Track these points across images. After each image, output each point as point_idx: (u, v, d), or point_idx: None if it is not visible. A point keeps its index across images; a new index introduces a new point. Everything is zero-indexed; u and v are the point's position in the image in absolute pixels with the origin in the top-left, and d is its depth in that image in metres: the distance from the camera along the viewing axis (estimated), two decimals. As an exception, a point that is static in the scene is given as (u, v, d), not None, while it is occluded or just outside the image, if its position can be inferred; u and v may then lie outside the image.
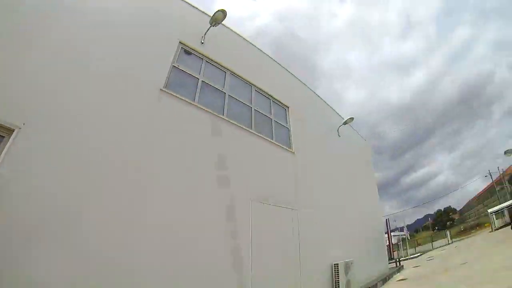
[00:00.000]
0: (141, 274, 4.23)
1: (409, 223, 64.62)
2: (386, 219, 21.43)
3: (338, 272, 8.93)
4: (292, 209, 7.69)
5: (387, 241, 18.99)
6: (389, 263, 17.80)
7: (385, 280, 12.95)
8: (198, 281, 4.91)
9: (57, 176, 3.94)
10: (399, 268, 16.71)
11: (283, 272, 6.88)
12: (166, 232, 4.73)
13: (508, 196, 31.89)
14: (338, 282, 8.40)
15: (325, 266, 8.59)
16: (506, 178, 34.72)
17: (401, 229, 36.10)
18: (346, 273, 9.00)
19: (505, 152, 16.47)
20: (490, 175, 43.74)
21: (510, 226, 18.31)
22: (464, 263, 11.48)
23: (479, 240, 21.64)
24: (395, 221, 36.48)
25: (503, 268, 7.83)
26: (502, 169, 40.21)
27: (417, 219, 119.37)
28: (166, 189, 5.04)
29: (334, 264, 9.08)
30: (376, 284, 11.51)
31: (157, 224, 4.65)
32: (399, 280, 12.92)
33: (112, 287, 4.02)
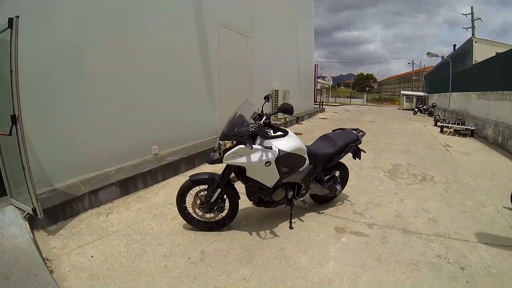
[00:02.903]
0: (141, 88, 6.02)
1: (334, 75, 73.40)
2: (315, 65, 25.01)
3: (278, 97, 11.94)
4: (247, 36, 9.57)
5: (314, 85, 23.15)
6: (314, 103, 22.39)
7: (310, 115, 17.34)
8: (182, 94, 7.21)
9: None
10: (322, 110, 21.65)
11: (239, 90, 9.93)
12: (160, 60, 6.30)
13: (421, 88, 43.20)
14: (277, 106, 11.89)
15: (268, 90, 11.60)
16: (424, 73, 43.64)
17: (325, 79, 41.35)
18: (284, 100, 11.98)
19: (427, 53, 22.62)
20: (413, 64, 59.10)
21: (413, 112, 25.39)
22: (373, 121, 17.27)
23: (388, 110, 30.74)
24: (321, 69, 41.63)
25: (396, 129, 13.74)
26: (424, 64, 54.46)
27: (341, 74, 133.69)
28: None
29: (275, 90, 12.98)
30: (304, 116, 15.56)
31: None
32: (321, 118, 17.17)
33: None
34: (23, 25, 3.34)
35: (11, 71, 3.21)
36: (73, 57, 4.57)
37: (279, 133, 3.36)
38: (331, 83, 42.75)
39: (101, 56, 5.00)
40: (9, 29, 3.20)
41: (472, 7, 27.10)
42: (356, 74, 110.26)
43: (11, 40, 3.19)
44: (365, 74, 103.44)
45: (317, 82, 28.67)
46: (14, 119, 3.25)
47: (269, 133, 3.42)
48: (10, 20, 3.17)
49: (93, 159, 4.97)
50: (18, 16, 3.19)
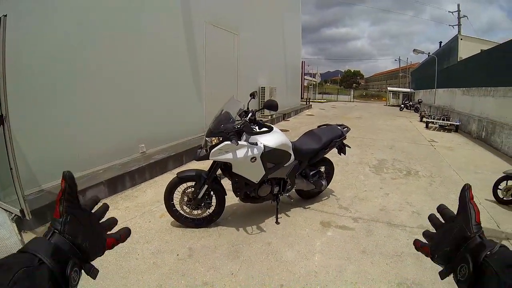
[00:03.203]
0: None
1: (321, 72, 73.95)
2: (303, 61, 25.15)
3: (264, 94, 12.01)
4: (235, 33, 9.60)
5: (301, 82, 23.34)
6: (301, 100, 22.51)
7: (297, 112, 17.42)
8: (169, 92, 7.20)
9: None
10: (308, 106, 21.77)
11: (226, 88, 9.92)
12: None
13: (407, 84, 44.10)
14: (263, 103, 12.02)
15: (255, 87, 11.65)
16: (411, 69, 44.48)
17: (313, 76, 41.42)
18: (270, 96, 12.08)
19: (414, 50, 22.84)
20: (399, 61, 60.53)
21: (399, 108, 25.96)
22: (360, 117, 17.59)
23: (374, 106, 31.45)
24: (308, 65, 41.79)
25: (382, 125, 13.86)
26: (410, 61, 56.20)
27: (328, 71, 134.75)
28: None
29: (262, 87, 12.97)
30: (290, 113, 15.69)
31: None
32: (308, 114, 17.29)
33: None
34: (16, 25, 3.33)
35: None
36: (61, 56, 4.53)
37: (264, 129, 3.41)
38: (319, 79, 42.85)
39: (87, 55, 4.98)
40: None
41: (458, 5, 27.57)
42: (343, 70, 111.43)
43: None
44: (352, 71, 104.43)
45: (304, 78, 28.80)
46: (1, 119, 3.22)
47: (254, 129, 3.46)
48: None
49: (81, 158, 4.96)
50: (5, 15, 3.15)
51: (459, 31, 25.65)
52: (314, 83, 39.98)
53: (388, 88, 37.45)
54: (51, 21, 4.36)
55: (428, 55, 24.45)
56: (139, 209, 4.26)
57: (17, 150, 3.60)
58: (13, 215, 3.49)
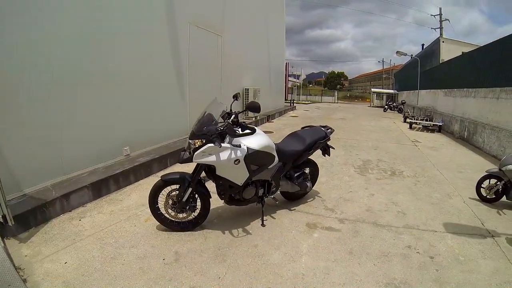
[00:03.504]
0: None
1: (305, 73, 74.40)
2: (287, 63, 25.29)
3: (248, 95, 12.05)
4: (218, 35, 9.59)
5: (285, 83, 23.47)
6: (285, 102, 22.65)
7: (281, 113, 17.56)
8: (153, 94, 7.10)
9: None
10: (293, 108, 21.93)
11: (210, 89, 9.85)
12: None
13: (391, 86, 44.50)
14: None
15: (239, 89, 11.69)
16: (394, 71, 45.66)
17: (297, 77, 41.66)
18: (254, 98, 12.10)
19: (397, 52, 23.23)
20: (383, 63, 61.83)
21: (383, 109, 26.45)
22: (344, 118, 17.70)
23: (358, 107, 31.74)
24: (292, 67, 42.12)
25: (366, 126, 14.11)
26: (394, 63, 57.26)
27: (312, 72, 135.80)
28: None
29: (245, 89, 12.98)
30: (274, 114, 15.75)
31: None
32: (292, 116, 17.38)
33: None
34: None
35: None
36: (42, 57, 4.44)
37: (247, 131, 3.40)
38: (303, 79, 43.05)
39: (70, 55, 4.89)
40: None
41: (440, 9, 28.19)
42: (327, 72, 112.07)
43: None
44: (336, 72, 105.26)
45: (288, 80, 28.96)
46: None
47: (237, 131, 3.46)
48: None
49: (64, 161, 4.85)
50: None
51: (441, 34, 26.16)
52: (298, 84, 40.23)
53: (372, 90, 37.78)
54: (28, 20, 4.24)
55: (411, 57, 24.84)
56: (124, 213, 4.19)
57: None
58: None
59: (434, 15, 28.31)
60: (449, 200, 4.75)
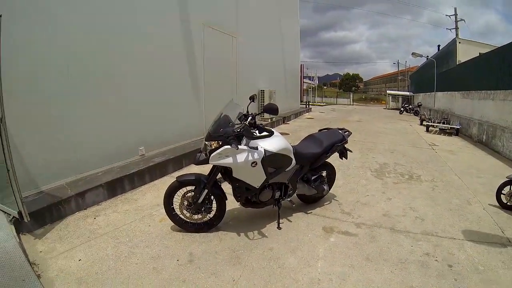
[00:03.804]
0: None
1: (320, 75, 74.20)
2: (301, 65, 25.16)
3: (264, 97, 11.95)
4: (233, 36, 9.56)
5: (300, 85, 23.36)
6: (300, 103, 22.52)
7: (296, 115, 17.40)
8: (168, 95, 7.15)
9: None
10: (308, 110, 21.74)
11: (225, 91, 9.89)
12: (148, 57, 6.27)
13: (406, 88, 44.06)
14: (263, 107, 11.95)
15: (254, 90, 11.56)
16: (409, 73, 44.71)
17: (312, 79, 41.53)
18: (270, 100, 12.05)
19: (412, 54, 23.15)
20: (398, 64, 61.67)
21: (399, 111, 26.05)
22: (359, 121, 17.43)
23: (374, 110, 31.25)
24: (307, 69, 41.93)
25: (382, 129, 13.95)
26: (409, 64, 56.19)
27: (327, 74, 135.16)
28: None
29: (261, 90, 12.98)
30: (290, 116, 15.60)
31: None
32: (307, 118, 17.23)
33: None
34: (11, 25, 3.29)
35: None
36: (59, 57, 4.51)
37: (265, 133, 3.36)
38: (317, 82, 42.81)
39: (87, 57, 4.95)
40: None
41: (455, 9, 27.64)
42: (342, 74, 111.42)
43: None
44: (351, 74, 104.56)
45: (303, 82, 28.83)
46: None
47: (254, 133, 3.42)
48: None
49: (80, 160, 4.92)
50: (0, 16, 3.11)
51: (456, 35, 25.66)
52: (313, 86, 40.07)
53: (388, 91, 37.31)
54: (46, 23, 4.32)
55: (427, 59, 24.48)
56: (139, 212, 4.21)
57: (15, 152, 3.59)
58: (11, 217, 3.47)
59: (449, 16, 27.82)
60: (468, 206, 4.63)
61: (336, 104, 41.85)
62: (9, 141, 3.27)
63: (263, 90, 12.82)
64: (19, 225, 3.47)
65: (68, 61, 4.64)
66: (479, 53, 15.31)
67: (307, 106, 24.39)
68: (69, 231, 3.67)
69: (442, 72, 19.95)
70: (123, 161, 5.72)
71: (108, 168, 5.37)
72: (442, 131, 12.99)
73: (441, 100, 18.54)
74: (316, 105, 33.32)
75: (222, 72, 9.60)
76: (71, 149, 4.79)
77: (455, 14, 27.15)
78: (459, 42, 22.04)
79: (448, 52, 23.37)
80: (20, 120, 3.98)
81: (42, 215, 3.76)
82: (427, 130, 13.32)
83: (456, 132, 12.38)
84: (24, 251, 3.05)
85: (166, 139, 7.01)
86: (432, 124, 13.57)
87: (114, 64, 5.48)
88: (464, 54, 19.24)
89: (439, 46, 29.39)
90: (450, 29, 27.65)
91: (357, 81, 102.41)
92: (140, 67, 6.05)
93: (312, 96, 38.88)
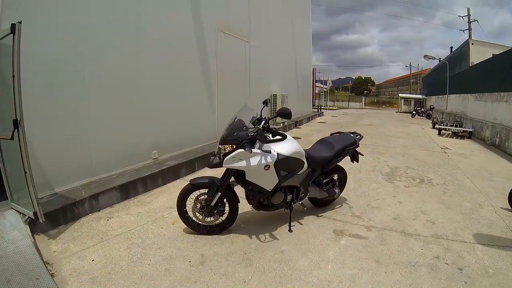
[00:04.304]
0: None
1: (332, 79, 73.89)
2: (313, 68, 25.10)
3: (276, 101, 11.98)
4: (245, 40, 9.65)
5: (312, 89, 23.29)
6: (312, 107, 22.48)
7: (308, 119, 17.41)
8: (182, 99, 7.25)
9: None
10: (320, 114, 21.74)
11: (238, 95, 9.99)
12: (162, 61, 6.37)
13: (418, 91, 43.25)
14: (276, 110, 11.85)
15: (267, 95, 11.62)
16: (422, 75, 43.75)
17: (324, 83, 41.40)
18: (282, 104, 12.02)
19: (425, 56, 22.86)
20: (410, 67, 60.32)
21: (411, 115, 25.75)
22: (371, 124, 17.34)
23: (385, 113, 30.99)
24: (319, 73, 41.85)
25: (394, 132, 13.87)
26: (421, 67, 55.96)
27: (339, 78, 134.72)
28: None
29: (273, 94, 12.94)
30: (302, 120, 15.58)
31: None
32: (319, 122, 17.23)
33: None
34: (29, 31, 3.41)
35: (13, 76, 3.23)
36: (74, 62, 4.62)
37: (278, 137, 3.40)
38: (330, 84, 42.60)
39: (101, 60, 5.06)
40: (12, 34, 3.22)
41: (468, 9, 27.38)
42: (354, 77, 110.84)
43: (14, 45, 3.22)
44: (363, 78, 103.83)
45: (315, 86, 28.77)
46: (16, 124, 3.27)
47: (268, 137, 3.45)
48: (13, 26, 3.20)
49: (94, 163, 5.02)
50: (20, 22, 3.22)
51: (469, 36, 25.32)
52: (325, 90, 39.93)
53: (400, 95, 36.94)
54: (60, 27, 4.43)
55: (439, 61, 24.25)
56: (152, 215, 4.28)
57: (32, 154, 3.67)
58: (26, 217, 3.57)
59: (462, 16, 27.51)
60: (480, 209, 4.59)
61: (348, 108, 41.58)
62: (26, 143, 3.36)
63: (276, 94, 12.82)
64: (34, 225, 3.57)
65: (84, 67, 4.75)
66: (493, 54, 15.11)
67: (319, 110, 24.31)
68: (83, 232, 3.75)
69: (454, 74, 19.72)
70: (136, 164, 5.81)
71: (122, 171, 5.47)
72: (455, 134, 12.87)
73: (454, 102, 18.33)
74: (328, 109, 33.16)
75: (235, 76, 9.69)
76: (86, 152, 4.89)
77: (468, 15, 26.87)
78: (472, 44, 21.73)
79: (461, 53, 23.09)
80: (37, 124, 4.09)
81: (56, 216, 3.86)
82: (439, 133, 13.21)
83: (469, 135, 12.27)
84: (38, 250, 3.14)
85: (179, 143, 7.09)
86: (445, 127, 13.46)
87: (128, 70, 5.58)
88: (477, 56, 18.99)
89: (451, 47, 29.01)
90: (463, 30, 27.38)
91: (369, 84, 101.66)
92: (153, 72, 6.15)
93: (324, 100, 38.72)
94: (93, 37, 4.89)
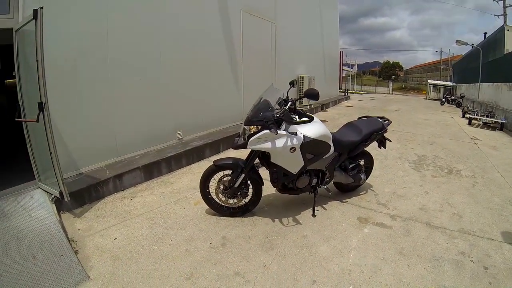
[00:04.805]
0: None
1: (359, 63, 72.38)
2: (341, 52, 24.51)
3: (303, 83, 11.79)
4: (271, 22, 9.47)
5: (339, 73, 22.75)
6: (339, 91, 22.07)
7: (335, 102, 17.17)
8: (207, 80, 7.20)
9: None
10: (347, 98, 21.38)
11: (264, 76, 9.83)
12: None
13: (449, 78, 40.47)
14: (302, 92, 11.76)
15: (293, 76, 11.49)
16: (452, 62, 41.75)
17: (351, 66, 40.50)
18: (309, 86, 11.93)
19: (456, 41, 21.63)
20: (441, 53, 57.31)
21: (440, 102, 24.63)
22: (399, 110, 16.70)
23: (413, 100, 29.53)
24: (346, 56, 40.94)
25: (422, 119, 13.33)
26: (453, 53, 53.04)
27: (367, 62, 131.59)
28: None
29: (300, 76, 12.72)
30: (329, 103, 15.42)
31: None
32: (346, 106, 16.96)
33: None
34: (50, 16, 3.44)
35: (37, 61, 3.27)
36: (98, 43, 4.64)
37: (305, 118, 3.30)
38: (356, 69, 41.65)
39: (126, 42, 5.07)
40: (34, 20, 3.25)
41: (503, -7, 25.87)
42: (382, 62, 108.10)
43: (36, 30, 3.26)
44: (391, 62, 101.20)
45: (342, 69, 28.17)
46: (41, 106, 3.33)
47: (294, 118, 3.37)
48: (35, 12, 3.23)
49: (118, 144, 5.09)
50: (42, 7, 3.24)
51: (504, 21, 23.95)
52: (353, 73, 39.13)
53: (429, 81, 35.64)
54: (86, 12, 4.47)
55: (472, 47, 23.21)
56: (175, 195, 4.31)
57: (57, 136, 3.77)
58: (52, 196, 3.67)
59: (497, 1, 25.99)
60: (510, 206, 4.35)
61: (375, 92, 40.51)
62: (52, 126, 3.43)
63: (302, 77, 12.59)
64: (59, 204, 3.67)
65: (107, 50, 4.77)
66: (530, 42, 14.38)
67: (346, 94, 23.80)
68: (106, 211, 3.82)
69: (488, 62, 18.86)
70: (161, 144, 5.86)
71: (146, 151, 5.53)
72: (486, 125, 12.34)
73: (486, 92, 17.59)
74: (355, 93, 32.40)
75: (261, 57, 9.55)
76: (110, 133, 4.96)
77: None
78: (508, 30, 20.67)
79: (495, 40, 21.99)
80: (63, 106, 4.16)
81: (81, 195, 3.95)
82: (470, 123, 12.67)
83: (501, 127, 11.75)
84: (63, 228, 3.23)
85: (204, 123, 7.11)
86: (475, 117, 12.90)
87: (153, 51, 5.59)
88: (513, 43, 18.12)
89: (485, 33, 27.64)
90: (498, 16, 25.98)
91: (397, 69, 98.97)
92: (178, 54, 6.14)
93: (351, 84, 37.96)
94: (118, 19, 4.90)
